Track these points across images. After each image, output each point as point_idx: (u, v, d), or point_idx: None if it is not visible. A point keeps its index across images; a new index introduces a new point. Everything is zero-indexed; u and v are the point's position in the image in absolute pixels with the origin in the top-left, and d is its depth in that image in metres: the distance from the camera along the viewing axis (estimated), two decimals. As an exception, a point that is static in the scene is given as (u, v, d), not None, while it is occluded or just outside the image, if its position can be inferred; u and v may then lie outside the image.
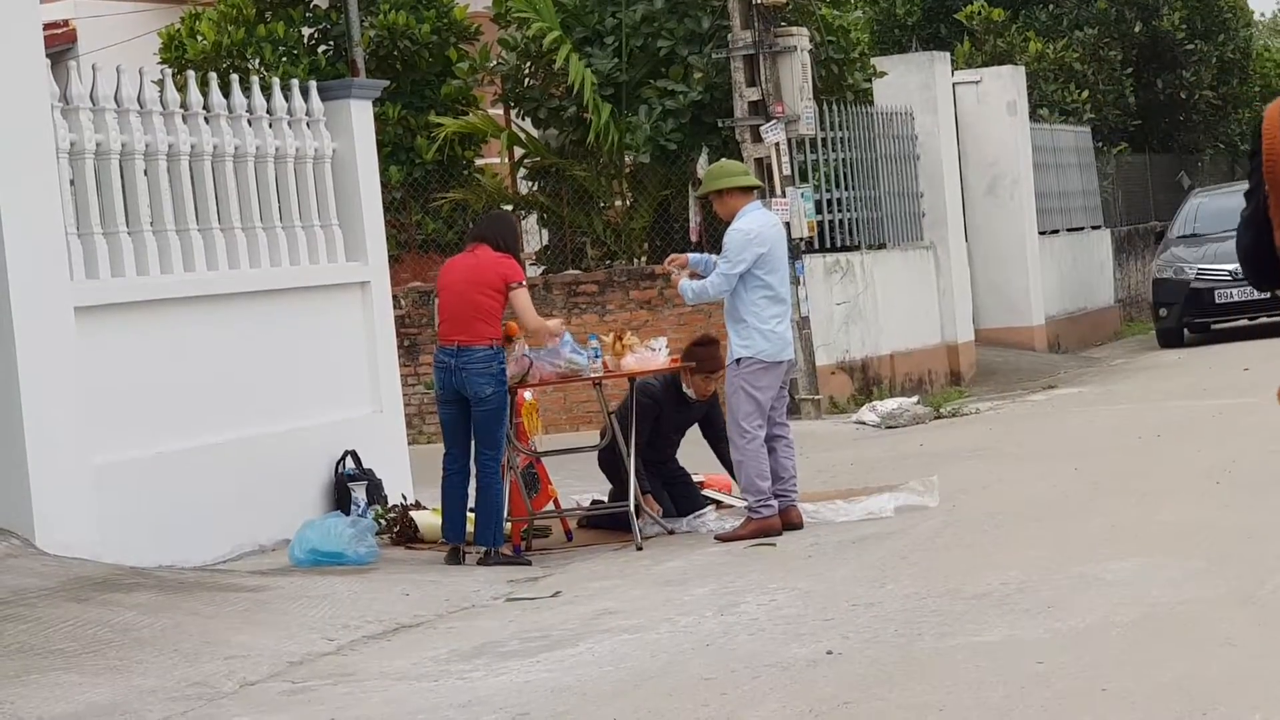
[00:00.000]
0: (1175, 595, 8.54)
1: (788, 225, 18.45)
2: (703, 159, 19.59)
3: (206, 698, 7.96)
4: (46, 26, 11.44)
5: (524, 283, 11.62)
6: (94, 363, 11.06)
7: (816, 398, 18.92)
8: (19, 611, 9.07)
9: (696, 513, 12.59)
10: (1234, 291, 24.57)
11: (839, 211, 20.71)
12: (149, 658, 8.54)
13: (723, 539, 11.66)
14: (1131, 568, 9.29)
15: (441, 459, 11.70)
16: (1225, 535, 10.04)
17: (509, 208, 21.18)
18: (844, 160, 20.83)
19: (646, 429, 12.32)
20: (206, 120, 12.46)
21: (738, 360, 11.77)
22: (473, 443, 11.57)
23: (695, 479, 13.00)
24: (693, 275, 12.14)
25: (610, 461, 12.43)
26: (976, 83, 25.48)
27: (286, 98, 13.21)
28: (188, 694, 8.00)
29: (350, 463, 12.91)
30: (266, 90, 13.13)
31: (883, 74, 22.34)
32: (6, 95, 10.58)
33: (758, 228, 11.81)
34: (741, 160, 18.99)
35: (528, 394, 12.48)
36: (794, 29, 19.10)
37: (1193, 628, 7.87)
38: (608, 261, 20.59)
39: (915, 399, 19.25)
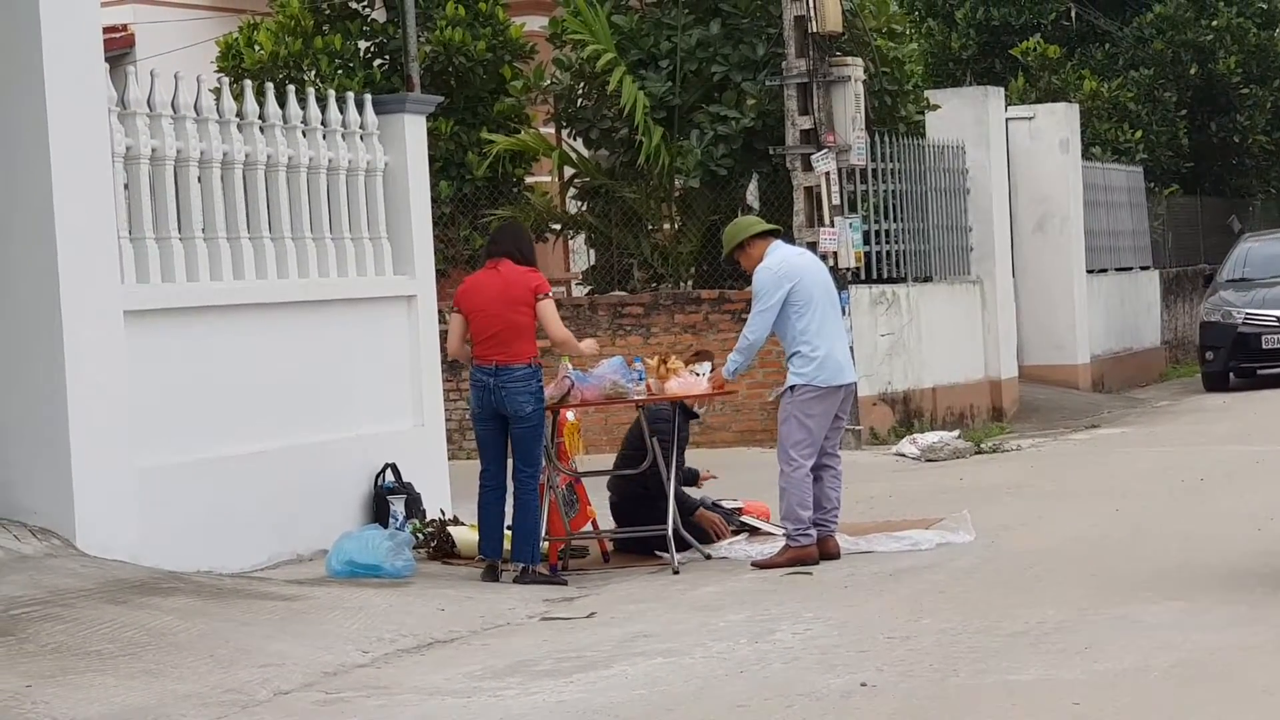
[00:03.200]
0: (1215, 641, 8.50)
1: (834, 255, 18.47)
2: (752, 185, 19.60)
3: (240, 705, 7.98)
4: (105, 30, 11.49)
5: (550, 294, 11.62)
6: (141, 367, 11.10)
7: (857, 428, 18.88)
8: (57, 611, 9.10)
9: (732, 539, 12.60)
10: (1281, 337, 24.51)
11: (887, 243, 20.69)
12: (185, 662, 8.56)
13: (759, 565, 11.65)
14: (1171, 611, 9.26)
15: (479, 476, 11.71)
16: (1267, 581, 9.99)
17: (557, 227, 21.22)
18: (894, 192, 20.81)
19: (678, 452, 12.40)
20: (261, 130, 12.51)
21: (791, 388, 11.77)
22: (510, 460, 11.58)
23: (734, 504, 13.02)
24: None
25: (620, 483, 12.49)
26: (1030, 119, 25.44)
27: (341, 110, 13.25)
28: (222, 700, 8.02)
29: (390, 475, 12.92)
30: (321, 102, 13.18)
31: (936, 107, 22.31)
32: (64, 98, 10.63)
33: (780, 261, 11.85)
34: (790, 187, 19.02)
35: (570, 414, 12.48)
36: (849, 59, 19.11)
37: (1231, 674, 7.83)
38: (654, 284, 20.59)
39: (956, 433, 19.21)
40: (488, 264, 11.76)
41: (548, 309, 11.54)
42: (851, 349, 18.50)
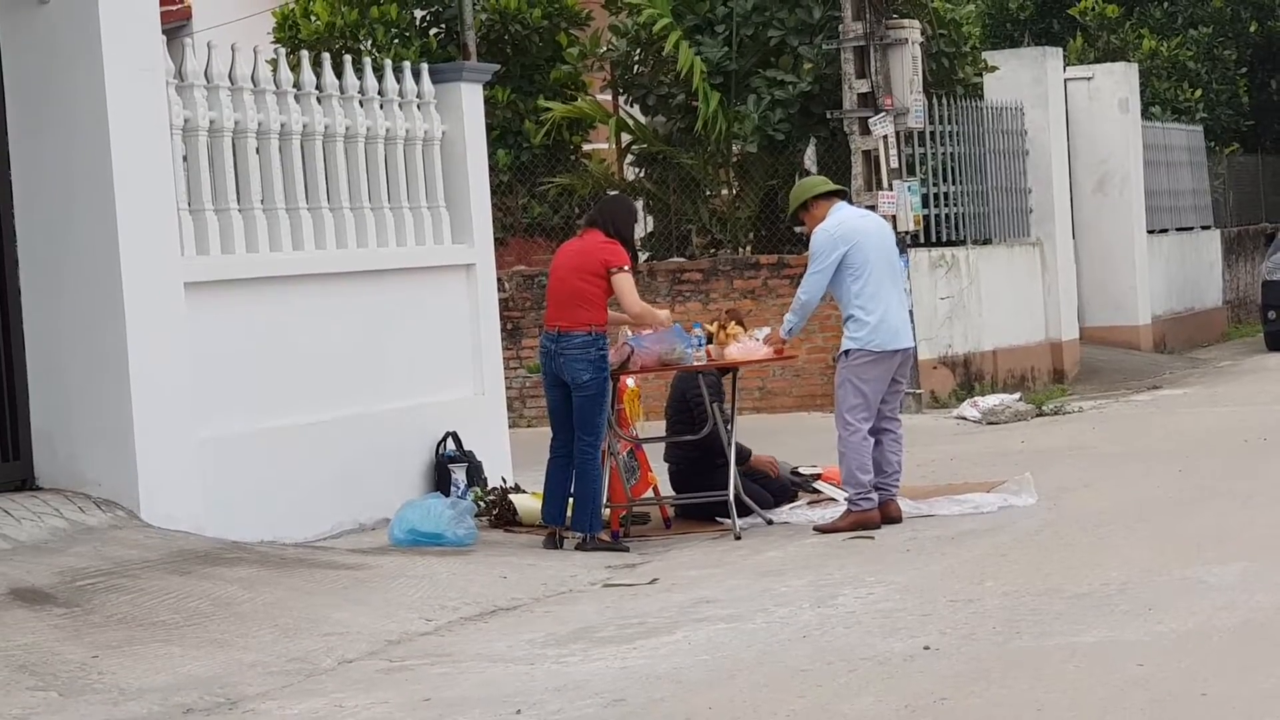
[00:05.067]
0: (1279, 600, 8.46)
1: (893, 219, 18.40)
2: (810, 150, 19.55)
3: (305, 673, 8.02)
4: (163, 3, 11.51)
5: (626, 267, 11.54)
6: (202, 338, 11.15)
7: (918, 392, 18.85)
8: (122, 582, 9.17)
9: (793, 504, 12.61)
10: (1344, 296, 24.39)
11: (946, 206, 20.62)
12: (249, 632, 8.61)
13: (821, 530, 11.64)
14: (1235, 572, 9.22)
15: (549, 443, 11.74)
16: (1330, 542, 9.95)
17: (614, 194, 21.20)
18: (952, 154, 20.74)
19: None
20: (318, 100, 12.53)
21: (845, 352, 11.75)
22: (576, 427, 11.59)
23: (814, 470, 13.01)
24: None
25: (676, 451, 12.50)
26: (1088, 79, 25.30)
27: (398, 79, 13.26)
28: (287, 669, 8.06)
29: (451, 444, 12.96)
30: (378, 71, 13.19)
31: (994, 68, 22.21)
32: (122, 71, 10.67)
33: (839, 223, 11.81)
34: (848, 151, 18.96)
35: (630, 381, 12.49)
36: (905, 21, 19.03)
37: (1295, 634, 7.80)
38: (713, 250, 20.58)
39: (1017, 396, 19.15)
40: (580, 231, 11.83)
41: (622, 282, 11.46)
42: (911, 313, 18.54)
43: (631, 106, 21.10)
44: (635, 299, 11.63)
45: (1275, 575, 9.06)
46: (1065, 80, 24.14)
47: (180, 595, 9.07)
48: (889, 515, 11.69)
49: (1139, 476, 13.15)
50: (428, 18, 21.81)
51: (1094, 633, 8.03)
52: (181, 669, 7.92)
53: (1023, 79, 22.62)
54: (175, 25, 24.07)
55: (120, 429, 10.60)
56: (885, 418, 11.79)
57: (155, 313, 10.78)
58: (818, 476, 13.01)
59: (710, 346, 12.16)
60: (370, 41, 21.14)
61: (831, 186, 12.12)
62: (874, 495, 11.62)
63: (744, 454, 12.60)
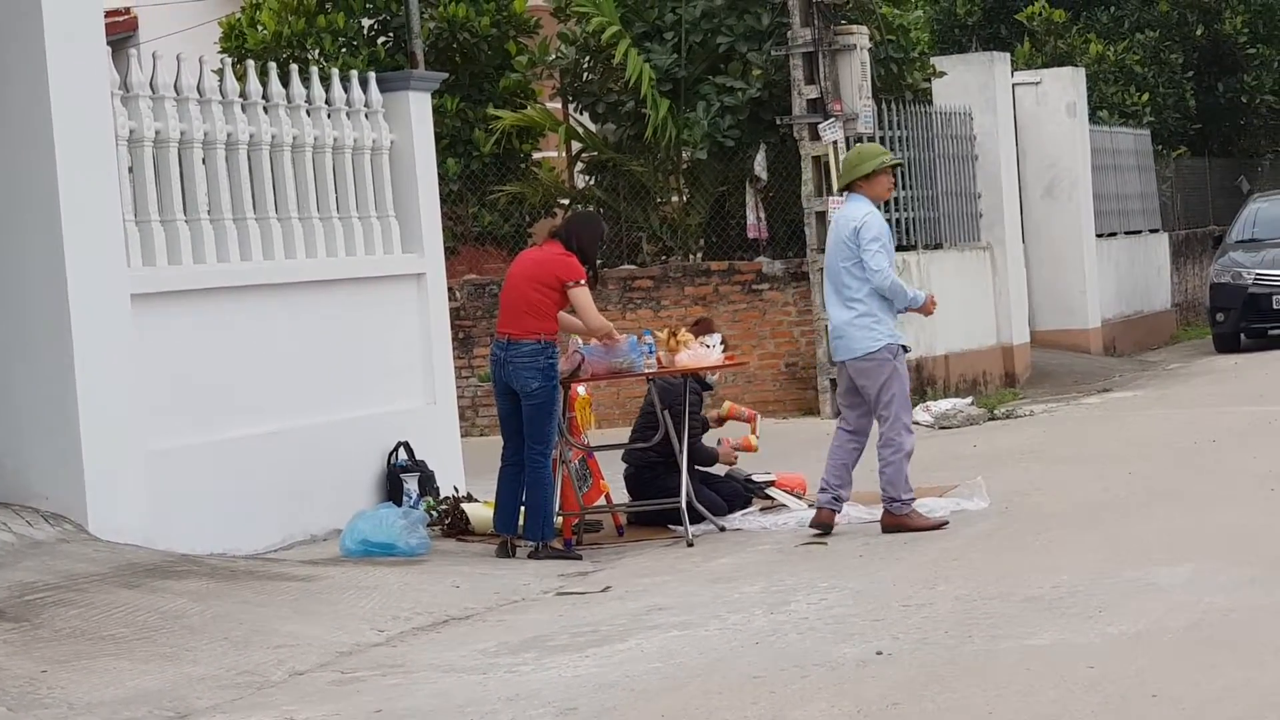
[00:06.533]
0: (1228, 602, 8.50)
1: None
2: (760, 156, 19.56)
3: (255, 686, 7.98)
4: (108, 14, 11.49)
5: (583, 281, 11.52)
6: (149, 350, 11.10)
7: (870, 397, 18.85)
8: (71, 597, 9.12)
9: (745, 511, 12.61)
10: (1292, 297, 24.53)
11: (896, 210, 20.64)
12: (199, 645, 8.57)
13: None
14: (1185, 573, 9.25)
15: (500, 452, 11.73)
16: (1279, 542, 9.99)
17: (565, 202, 21.19)
18: (902, 159, 20.77)
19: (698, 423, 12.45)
20: (265, 110, 12.49)
21: None
22: (527, 436, 11.58)
23: (767, 477, 13.01)
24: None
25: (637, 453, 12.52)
26: (1036, 84, 25.39)
27: (345, 88, 13.22)
28: (237, 682, 8.03)
29: (403, 454, 12.92)
30: (325, 81, 13.15)
31: (942, 74, 22.26)
32: (67, 82, 10.62)
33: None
34: (798, 157, 18.95)
35: (581, 389, 12.47)
36: (854, 27, 19.07)
37: (1245, 635, 7.83)
38: (663, 257, 20.58)
39: (969, 400, 19.19)
40: (543, 242, 11.84)
41: (580, 296, 11.46)
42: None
43: (581, 114, 21.08)
44: (594, 313, 11.62)
45: (1224, 577, 9.09)
46: (1013, 85, 24.22)
47: (129, 609, 9.02)
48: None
49: (1090, 479, 13.19)
50: (375, 26, 21.75)
51: (1046, 635, 8.05)
52: (131, 683, 7.87)
53: (971, 84, 22.68)
54: (121, 36, 23.99)
55: (68, 442, 10.54)
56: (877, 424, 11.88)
57: (102, 324, 10.73)
58: (771, 483, 13.01)
59: (660, 354, 12.14)
60: (318, 51, 21.07)
61: (852, 177, 12.01)
62: (823, 497, 11.63)
63: (709, 459, 12.67)
